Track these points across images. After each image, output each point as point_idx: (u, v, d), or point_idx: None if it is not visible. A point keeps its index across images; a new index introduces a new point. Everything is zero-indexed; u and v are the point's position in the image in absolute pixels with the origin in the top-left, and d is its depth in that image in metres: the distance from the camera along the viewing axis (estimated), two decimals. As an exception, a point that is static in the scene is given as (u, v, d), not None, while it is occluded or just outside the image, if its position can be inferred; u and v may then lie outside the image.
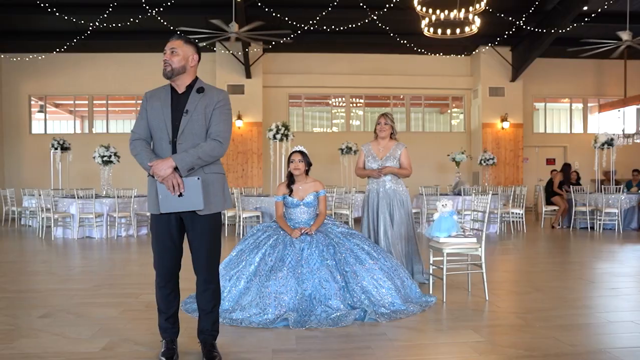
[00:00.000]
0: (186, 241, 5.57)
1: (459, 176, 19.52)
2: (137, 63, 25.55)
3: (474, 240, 8.38)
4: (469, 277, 9.02)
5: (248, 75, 24.86)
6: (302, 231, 7.72)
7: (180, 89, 5.51)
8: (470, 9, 17.91)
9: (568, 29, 21.89)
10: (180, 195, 5.28)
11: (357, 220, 19.07)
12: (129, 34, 23.79)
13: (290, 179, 8.12)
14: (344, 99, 27.47)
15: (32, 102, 26.43)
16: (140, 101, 5.60)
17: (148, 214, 17.22)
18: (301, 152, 8.08)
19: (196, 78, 5.60)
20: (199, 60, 5.63)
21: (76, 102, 26.92)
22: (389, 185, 9.44)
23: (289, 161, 8.12)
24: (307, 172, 8.14)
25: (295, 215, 8.01)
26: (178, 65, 5.43)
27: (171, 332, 5.66)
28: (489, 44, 25.05)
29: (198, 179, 5.31)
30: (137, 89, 25.46)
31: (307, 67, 26.37)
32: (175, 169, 5.23)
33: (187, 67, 5.49)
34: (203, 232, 5.49)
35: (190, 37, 6.60)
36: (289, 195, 8.03)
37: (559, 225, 19.87)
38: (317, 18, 21.46)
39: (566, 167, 20.75)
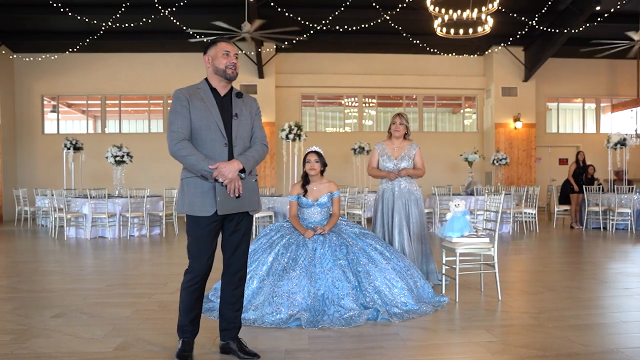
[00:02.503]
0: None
1: (471, 176, 19.51)
2: (150, 63, 25.62)
3: (487, 240, 8.37)
4: (481, 277, 9.01)
5: (261, 75, 24.90)
6: (316, 231, 7.72)
7: (223, 92, 5.63)
8: (483, 8, 17.89)
9: (581, 29, 21.84)
10: (238, 196, 5.43)
11: (370, 220, 19.07)
12: (141, 34, 23.87)
13: (305, 179, 8.11)
14: (356, 98, 27.45)
15: (45, 102, 26.48)
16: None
17: (169, 215, 17.25)
18: (317, 153, 8.07)
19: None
20: None
21: (89, 102, 26.99)
22: (404, 185, 9.42)
23: (304, 161, 8.10)
24: (322, 172, 8.13)
25: (308, 215, 8.01)
26: (238, 71, 5.62)
27: (191, 333, 5.71)
28: (502, 44, 25.00)
29: (255, 181, 5.59)
30: (150, 89, 25.60)
31: (320, 67, 26.38)
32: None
33: None
34: (246, 232, 5.75)
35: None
36: (304, 196, 8.03)
37: (577, 224, 19.74)
38: (330, 18, 21.45)
39: (576, 155, 20.57)
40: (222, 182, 5.35)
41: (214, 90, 5.60)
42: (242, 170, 5.41)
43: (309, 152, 8.10)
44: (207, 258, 5.59)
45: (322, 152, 8.13)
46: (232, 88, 5.69)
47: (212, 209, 5.42)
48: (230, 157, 5.45)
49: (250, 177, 5.56)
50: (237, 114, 5.56)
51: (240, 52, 23.76)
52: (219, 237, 5.69)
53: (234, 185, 5.35)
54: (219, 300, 5.95)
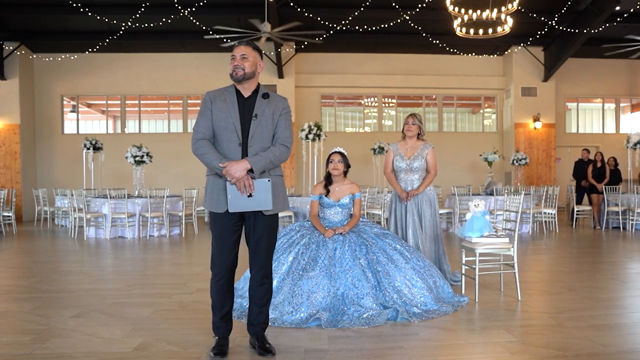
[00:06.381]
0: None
1: (491, 176, 19.47)
2: (170, 63, 25.69)
3: (506, 240, 8.35)
4: (501, 277, 8.99)
5: (280, 75, 24.91)
6: (336, 231, 7.72)
7: (247, 93, 5.79)
8: (503, 8, 17.82)
9: (600, 28, 21.74)
10: (250, 195, 5.56)
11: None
12: (161, 34, 23.96)
13: (328, 180, 8.11)
14: (376, 99, 27.44)
15: (65, 102, 26.57)
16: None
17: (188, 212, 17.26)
18: (341, 153, 8.08)
19: (259, 84, 5.88)
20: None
21: (108, 102, 27.00)
22: (417, 185, 9.41)
23: (327, 161, 8.11)
24: (345, 173, 8.14)
25: (329, 215, 8.01)
26: (249, 70, 5.71)
27: (224, 330, 5.88)
28: (521, 44, 24.94)
29: (268, 181, 5.62)
30: (170, 89, 25.64)
31: (340, 67, 26.40)
32: (249, 170, 5.51)
33: (255, 73, 5.78)
34: (265, 231, 5.81)
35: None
36: (325, 196, 8.03)
37: (598, 225, 19.61)
38: (350, 18, 21.48)
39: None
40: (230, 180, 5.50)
41: (238, 92, 5.77)
42: (252, 170, 5.53)
43: (332, 153, 8.11)
44: (227, 253, 5.75)
45: (345, 153, 8.13)
46: (258, 89, 5.82)
47: (225, 206, 5.61)
48: (244, 156, 5.61)
49: (265, 177, 5.61)
50: (257, 115, 5.68)
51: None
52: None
53: (242, 184, 5.48)
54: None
